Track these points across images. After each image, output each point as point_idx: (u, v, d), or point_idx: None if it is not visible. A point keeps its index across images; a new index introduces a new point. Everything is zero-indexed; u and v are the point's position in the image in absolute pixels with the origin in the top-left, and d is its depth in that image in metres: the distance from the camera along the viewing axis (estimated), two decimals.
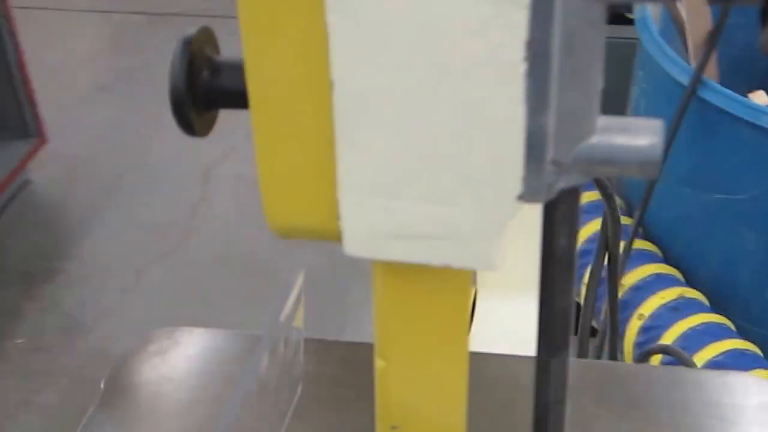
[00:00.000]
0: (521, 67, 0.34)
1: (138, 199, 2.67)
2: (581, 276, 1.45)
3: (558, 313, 0.42)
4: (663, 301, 1.42)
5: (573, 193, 0.40)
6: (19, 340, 2.19)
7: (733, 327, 1.40)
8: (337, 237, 0.39)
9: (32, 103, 2.65)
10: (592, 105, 0.37)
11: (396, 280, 0.41)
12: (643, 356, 1.06)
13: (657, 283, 1.46)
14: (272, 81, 0.35)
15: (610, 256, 0.86)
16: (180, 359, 0.74)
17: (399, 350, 0.44)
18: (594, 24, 0.35)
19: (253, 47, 0.35)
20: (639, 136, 0.37)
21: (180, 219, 2.57)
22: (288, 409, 0.66)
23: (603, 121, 0.38)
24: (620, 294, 1.42)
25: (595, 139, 0.37)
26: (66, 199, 2.71)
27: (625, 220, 1.49)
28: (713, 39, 1.34)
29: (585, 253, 1.46)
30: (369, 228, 0.38)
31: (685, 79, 1.33)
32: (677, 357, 0.93)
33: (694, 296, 1.44)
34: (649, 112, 1.47)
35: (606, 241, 0.85)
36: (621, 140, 0.37)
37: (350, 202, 0.37)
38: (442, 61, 0.34)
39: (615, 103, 1.74)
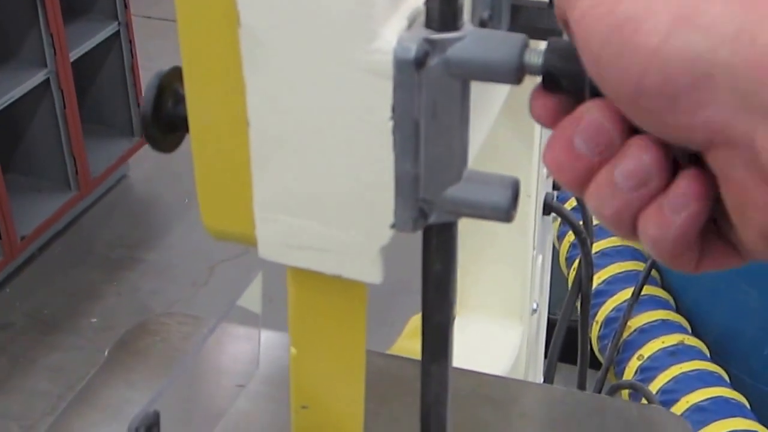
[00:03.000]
0: (389, 124, 0.44)
1: None
2: (594, 314, 1.53)
3: (436, 326, 0.52)
4: (663, 345, 1.50)
5: (447, 227, 0.49)
6: (94, 319, 2.36)
7: (727, 377, 1.46)
8: (255, 243, 0.49)
9: (139, 105, 2.84)
10: (457, 158, 0.46)
11: (304, 282, 0.51)
12: (612, 390, 1.13)
13: (662, 328, 1.55)
14: (206, 116, 0.46)
15: (583, 296, 0.95)
16: (174, 338, 0.85)
17: (308, 342, 0.54)
18: (455, 96, 0.45)
19: (192, 88, 0.46)
20: (494, 187, 0.47)
21: None
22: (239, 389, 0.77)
23: (469, 172, 0.47)
24: (626, 334, 1.50)
25: (459, 186, 0.47)
26: (156, 196, 2.89)
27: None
28: None
29: (600, 293, 1.55)
30: (277, 238, 0.48)
31: None
32: (641, 392, 0.99)
33: (694, 344, 1.52)
34: None
35: (580, 280, 0.94)
36: (479, 189, 0.47)
37: (262, 217, 0.48)
38: (330, 114, 0.44)
39: None
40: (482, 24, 0.54)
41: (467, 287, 0.96)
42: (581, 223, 0.94)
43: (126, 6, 2.75)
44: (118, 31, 2.74)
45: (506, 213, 0.46)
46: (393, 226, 0.47)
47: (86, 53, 2.62)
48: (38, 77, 2.44)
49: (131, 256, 2.60)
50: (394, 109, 0.43)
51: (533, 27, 0.59)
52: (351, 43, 0.42)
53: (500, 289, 0.95)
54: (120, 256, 2.60)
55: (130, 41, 2.77)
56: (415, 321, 1.08)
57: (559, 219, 0.95)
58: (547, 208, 0.91)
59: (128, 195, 2.88)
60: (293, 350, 0.54)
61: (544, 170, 0.89)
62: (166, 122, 0.50)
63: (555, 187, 0.93)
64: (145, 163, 2.94)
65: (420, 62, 0.43)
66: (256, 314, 0.73)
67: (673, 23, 0.36)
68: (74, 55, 2.55)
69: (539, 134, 0.86)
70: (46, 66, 2.46)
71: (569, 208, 1.11)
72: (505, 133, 0.85)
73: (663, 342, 1.49)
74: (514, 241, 0.89)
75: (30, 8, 2.40)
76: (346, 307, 0.52)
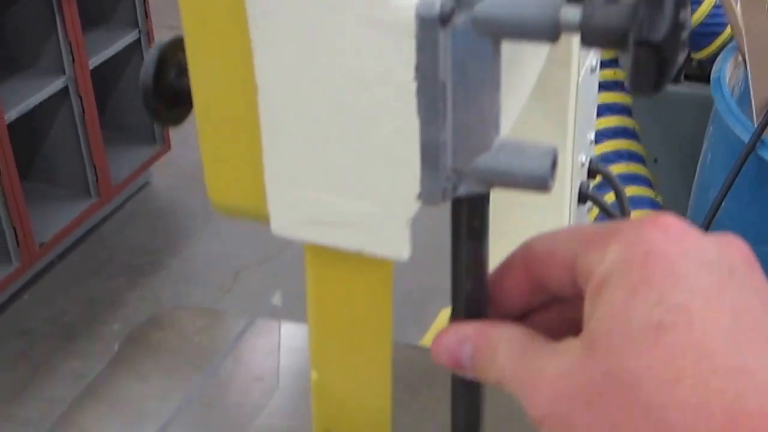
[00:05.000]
0: (412, 86, 0.40)
1: None
2: None
3: (467, 308, 0.48)
4: None
5: (478, 202, 0.45)
6: (116, 326, 2.33)
7: None
8: (266, 218, 0.45)
9: None
10: (488, 124, 0.42)
11: (322, 262, 0.47)
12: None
13: None
14: (210, 83, 0.43)
15: None
16: (189, 332, 0.82)
17: (330, 361, 0.50)
18: (485, 55, 0.41)
19: (194, 53, 0.42)
20: (530, 155, 0.43)
21: None
22: (269, 398, 0.73)
23: (501, 140, 0.43)
24: None
25: (491, 154, 0.43)
26: (179, 203, 2.86)
27: None
28: None
29: None
30: (291, 213, 0.44)
31: (746, 137, 1.36)
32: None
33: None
34: (714, 166, 1.50)
35: None
36: (514, 157, 0.43)
37: (275, 190, 0.44)
38: (348, 77, 0.40)
39: (690, 154, 1.76)
40: None
41: None
42: (619, 212, 0.90)
43: (147, 15, 2.73)
44: (139, 39, 2.73)
45: (544, 182, 0.42)
46: (419, 197, 0.43)
47: (106, 61, 2.61)
48: (57, 84, 2.42)
49: (153, 262, 2.58)
50: (417, 70, 0.40)
51: None
52: None
53: None
54: (142, 263, 2.58)
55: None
56: (446, 313, 1.04)
57: (595, 208, 0.91)
58: (583, 197, 0.87)
59: (150, 202, 2.86)
60: (314, 374, 0.51)
61: (580, 156, 0.85)
62: (168, 94, 0.46)
63: (590, 175, 0.89)
64: (168, 170, 2.91)
65: (445, 19, 0.39)
66: (275, 327, 0.70)
67: None
68: (94, 62, 2.54)
69: (572, 118, 0.82)
70: (64, 73, 2.45)
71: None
72: (536, 118, 0.81)
73: None
74: (548, 227, 0.85)
75: (48, 15, 2.39)
76: (369, 288, 0.48)
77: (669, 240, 0.37)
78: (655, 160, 1.96)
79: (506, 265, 0.46)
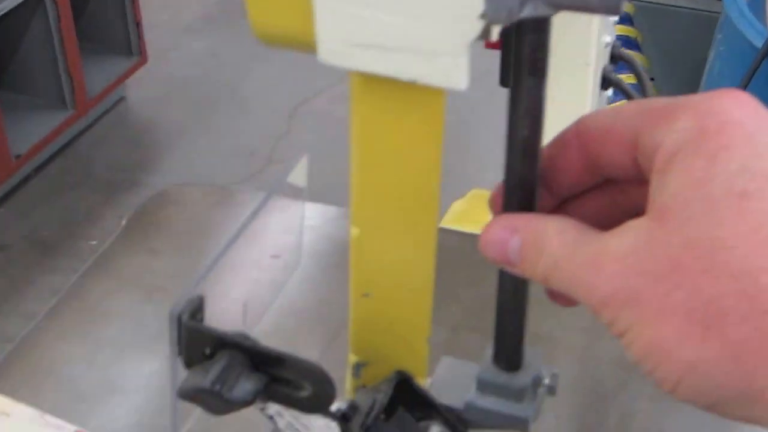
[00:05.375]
0: None
1: (225, 126, 2.73)
2: None
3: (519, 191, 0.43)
4: None
5: (543, 29, 0.41)
6: (93, 242, 2.28)
7: None
8: (313, 46, 0.41)
9: (138, 23, 2.73)
10: None
11: (370, 93, 0.43)
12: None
13: None
14: None
15: None
16: (200, 208, 0.77)
17: (372, 214, 0.46)
18: None
19: None
20: None
21: (263, 149, 2.63)
22: (287, 276, 0.68)
23: None
24: None
25: None
26: (157, 118, 2.79)
27: None
28: None
29: None
30: (341, 36, 0.40)
31: (759, 42, 1.32)
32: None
33: None
34: (723, 74, 1.46)
35: None
36: None
37: (324, 10, 0.39)
38: None
39: (693, 67, 1.73)
40: None
41: None
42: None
43: None
44: None
45: (616, 4, 0.38)
46: (483, 15, 0.38)
47: None
48: None
49: (131, 178, 2.52)
50: None
51: None
52: None
53: None
54: (120, 179, 2.52)
55: None
56: (459, 205, 1.01)
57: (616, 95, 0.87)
58: (606, 82, 0.82)
59: (127, 117, 2.79)
60: (355, 230, 0.46)
61: (606, 38, 0.80)
62: None
63: (613, 60, 0.84)
64: (144, 85, 2.84)
65: None
66: (301, 189, 0.65)
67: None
68: None
69: None
70: None
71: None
72: None
73: None
74: (569, 113, 0.81)
75: None
76: (419, 126, 0.43)
77: (744, 111, 0.36)
78: (652, 79, 1.92)
79: (558, 144, 0.43)
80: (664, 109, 0.38)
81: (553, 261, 0.38)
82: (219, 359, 0.45)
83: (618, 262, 0.36)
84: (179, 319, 0.46)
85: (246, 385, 0.45)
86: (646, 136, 0.38)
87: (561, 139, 0.43)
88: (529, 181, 0.42)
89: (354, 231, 0.46)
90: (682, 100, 0.38)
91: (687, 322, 0.34)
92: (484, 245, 0.41)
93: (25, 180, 2.47)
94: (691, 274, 0.34)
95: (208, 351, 0.46)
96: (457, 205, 1.06)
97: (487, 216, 0.44)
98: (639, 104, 0.40)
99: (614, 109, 0.41)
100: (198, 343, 0.46)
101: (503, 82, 0.45)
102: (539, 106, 0.42)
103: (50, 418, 0.54)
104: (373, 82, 0.41)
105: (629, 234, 0.36)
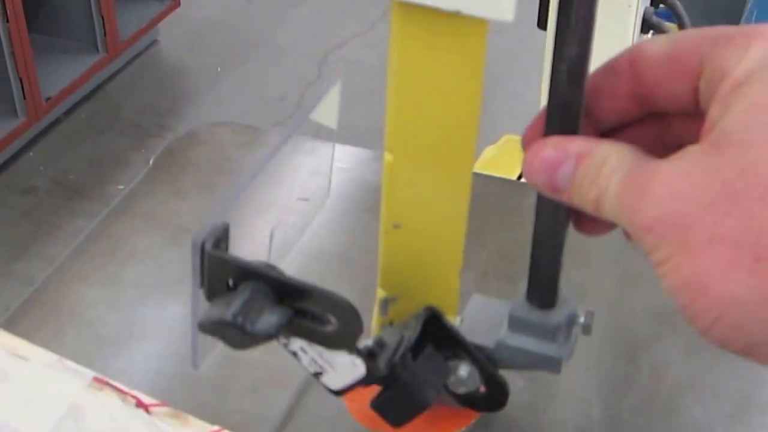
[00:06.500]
0: None
1: (256, 71, 2.71)
2: None
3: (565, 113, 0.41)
4: None
5: None
6: (121, 186, 2.28)
7: None
8: None
9: None
10: None
11: (411, 23, 0.41)
12: None
13: None
14: None
15: None
16: (229, 148, 0.75)
17: (407, 142, 0.44)
18: None
19: None
20: None
21: (291, 95, 2.61)
22: (312, 217, 0.66)
23: None
24: None
25: None
26: (188, 63, 2.78)
27: None
28: None
29: None
30: None
31: None
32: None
33: None
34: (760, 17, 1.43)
35: None
36: None
37: None
38: None
39: (728, 11, 1.69)
40: None
41: None
42: None
43: None
44: None
45: None
46: None
47: None
48: None
49: (160, 123, 2.51)
50: None
51: None
52: None
53: None
54: (148, 123, 2.51)
55: None
56: (491, 151, 0.98)
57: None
58: (647, 25, 0.80)
59: (158, 61, 2.77)
60: (389, 157, 0.44)
61: None
62: None
63: (653, 3, 0.82)
64: (176, 29, 2.82)
65: None
66: (331, 130, 0.62)
67: None
68: None
69: None
70: None
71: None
72: None
73: None
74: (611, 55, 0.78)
75: None
76: (460, 57, 0.41)
77: None
78: None
79: (608, 71, 0.40)
80: (735, 36, 0.36)
81: (606, 186, 0.36)
82: (242, 291, 0.44)
83: (668, 186, 0.34)
84: (202, 247, 0.44)
85: (270, 318, 0.43)
86: (714, 60, 0.36)
87: (611, 66, 0.40)
88: (575, 106, 0.40)
89: (387, 157, 0.44)
90: (754, 28, 0.36)
91: (735, 252, 0.32)
92: (530, 168, 0.39)
93: (55, 123, 2.46)
94: (745, 201, 0.31)
95: (231, 282, 0.45)
96: (489, 151, 1.04)
97: (519, 163, 0.42)
98: (703, 31, 0.38)
99: (672, 36, 0.39)
100: (221, 273, 0.44)
101: (540, 23, 0.43)
102: (590, 23, 0.40)
103: (69, 363, 0.52)
104: (415, 12, 0.39)
105: (685, 159, 0.34)
